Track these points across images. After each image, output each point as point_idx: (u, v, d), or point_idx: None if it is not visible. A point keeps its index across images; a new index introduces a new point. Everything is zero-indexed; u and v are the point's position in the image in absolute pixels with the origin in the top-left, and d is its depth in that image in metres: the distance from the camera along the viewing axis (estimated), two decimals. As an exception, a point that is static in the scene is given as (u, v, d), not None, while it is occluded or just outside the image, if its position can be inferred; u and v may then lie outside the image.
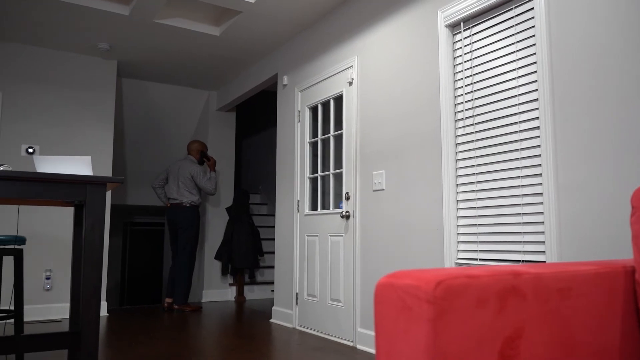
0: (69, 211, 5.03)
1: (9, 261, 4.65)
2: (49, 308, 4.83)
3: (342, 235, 3.86)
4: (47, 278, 4.83)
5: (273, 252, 6.97)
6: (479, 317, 0.89)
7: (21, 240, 3.13)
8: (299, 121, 4.54)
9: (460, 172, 2.91)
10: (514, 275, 0.97)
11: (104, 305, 5.08)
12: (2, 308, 3.88)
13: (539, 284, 0.99)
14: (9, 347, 2.26)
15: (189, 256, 5.37)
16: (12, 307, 4.62)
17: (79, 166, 2.44)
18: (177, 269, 5.35)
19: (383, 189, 3.47)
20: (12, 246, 3.28)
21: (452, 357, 0.85)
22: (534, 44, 2.52)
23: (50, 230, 4.90)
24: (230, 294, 6.34)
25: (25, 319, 4.68)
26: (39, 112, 4.96)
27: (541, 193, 2.43)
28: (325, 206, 4.25)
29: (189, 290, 5.42)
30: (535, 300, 0.98)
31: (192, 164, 5.46)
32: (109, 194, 5.26)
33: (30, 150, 4.87)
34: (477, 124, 2.82)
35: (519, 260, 2.52)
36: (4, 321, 4.46)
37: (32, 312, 4.75)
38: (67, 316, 4.88)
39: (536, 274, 1.00)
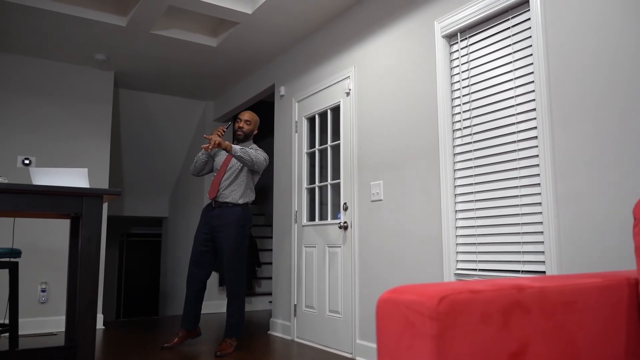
0: (65, 223, 4.99)
1: (4, 274, 4.60)
2: (45, 321, 4.77)
3: (340, 246, 3.83)
4: (43, 291, 4.78)
5: (271, 263, 6.93)
6: (483, 333, 0.88)
7: (16, 253, 3.10)
8: (297, 132, 4.53)
9: (459, 182, 2.90)
10: (518, 290, 0.95)
11: (100, 318, 5.03)
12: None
13: (544, 298, 0.98)
14: (3, 363, 2.22)
15: None
16: (7, 321, 4.57)
17: (75, 178, 2.42)
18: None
19: (381, 200, 3.45)
20: (7, 259, 3.24)
21: (456, 375, 0.83)
22: (531, 54, 2.52)
23: (46, 242, 4.86)
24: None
25: (20, 332, 4.62)
26: (36, 123, 4.94)
27: (540, 203, 2.42)
28: (323, 217, 4.23)
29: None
30: (540, 314, 0.97)
31: None
32: (105, 205, 5.23)
33: (27, 161, 4.84)
34: (475, 134, 2.81)
35: (518, 271, 2.50)
36: (-1, 335, 4.41)
37: (28, 325, 4.69)
38: (63, 329, 4.83)
39: (540, 288, 0.98)
